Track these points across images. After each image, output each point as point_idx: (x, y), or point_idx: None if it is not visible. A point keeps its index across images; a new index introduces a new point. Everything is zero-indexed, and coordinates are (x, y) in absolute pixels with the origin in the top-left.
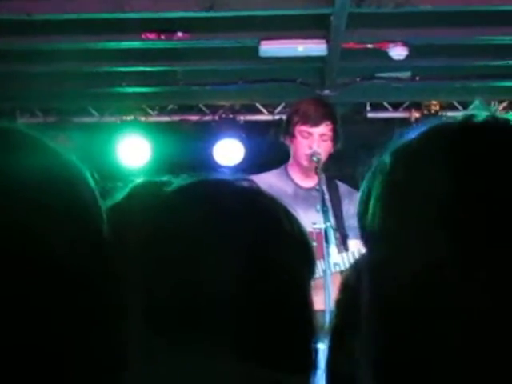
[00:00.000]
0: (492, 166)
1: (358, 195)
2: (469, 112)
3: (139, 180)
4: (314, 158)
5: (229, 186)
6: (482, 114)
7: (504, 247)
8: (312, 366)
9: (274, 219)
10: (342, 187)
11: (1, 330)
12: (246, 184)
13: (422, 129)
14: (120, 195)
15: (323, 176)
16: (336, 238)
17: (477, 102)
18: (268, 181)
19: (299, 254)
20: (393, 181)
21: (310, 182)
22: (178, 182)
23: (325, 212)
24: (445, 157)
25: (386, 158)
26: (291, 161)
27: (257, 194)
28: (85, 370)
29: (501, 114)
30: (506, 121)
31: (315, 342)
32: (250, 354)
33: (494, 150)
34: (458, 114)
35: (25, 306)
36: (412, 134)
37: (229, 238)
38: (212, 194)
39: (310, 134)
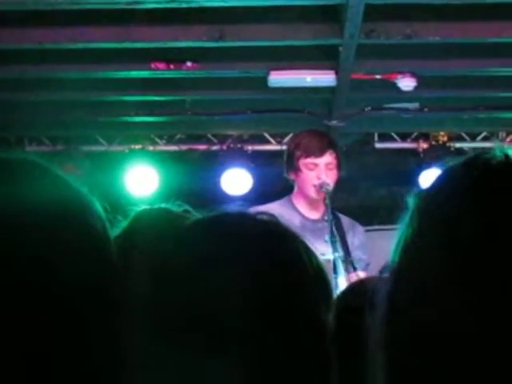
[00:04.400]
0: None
1: (360, 228)
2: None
3: (145, 208)
4: (324, 190)
5: (249, 220)
6: (499, 154)
7: None
8: None
9: (293, 253)
10: (345, 219)
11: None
12: (265, 217)
13: (444, 172)
14: (125, 223)
15: (328, 207)
16: (345, 270)
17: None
18: (275, 211)
19: (317, 287)
20: (423, 227)
21: (316, 214)
22: (197, 215)
23: (333, 242)
24: (467, 200)
25: (423, 197)
26: (296, 193)
27: (276, 227)
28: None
29: None
30: None
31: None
32: None
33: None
34: (466, 145)
35: (33, 334)
36: (444, 175)
37: (248, 271)
38: (231, 227)
39: (316, 165)
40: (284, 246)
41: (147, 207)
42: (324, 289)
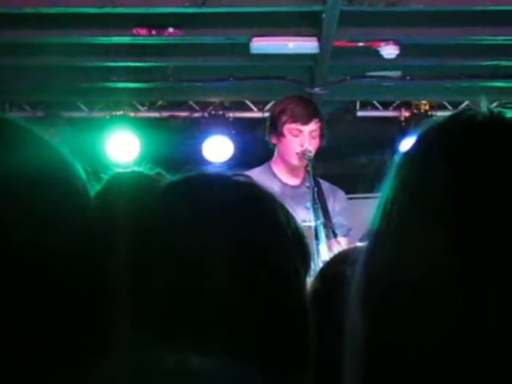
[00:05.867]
0: (495, 167)
1: (341, 193)
2: (470, 110)
3: (118, 171)
4: (306, 157)
5: (225, 180)
6: (483, 112)
7: (502, 253)
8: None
9: (271, 214)
10: (325, 185)
11: None
12: (242, 178)
13: (426, 130)
14: (99, 187)
15: (310, 174)
16: (326, 236)
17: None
18: (254, 177)
19: (296, 250)
20: (401, 184)
21: (295, 180)
22: (171, 177)
23: (315, 209)
24: (448, 159)
25: (397, 162)
26: (276, 159)
27: (253, 188)
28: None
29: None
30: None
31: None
32: (243, 354)
33: (496, 150)
34: (448, 114)
35: (16, 294)
36: (418, 137)
37: (224, 232)
38: (208, 188)
39: (301, 131)
40: (261, 206)
41: (120, 171)
42: (302, 251)
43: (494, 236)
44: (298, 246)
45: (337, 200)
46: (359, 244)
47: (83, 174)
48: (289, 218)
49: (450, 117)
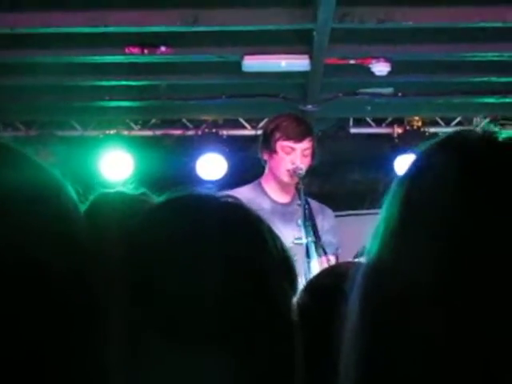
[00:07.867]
0: (494, 186)
1: (329, 212)
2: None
3: (103, 192)
4: (297, 175)
5: (212, 201)
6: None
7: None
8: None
9: (257, 235)
10: (314, 203)
11: None
12: (229, 199)
13: (425, 149)
14: (85, 207)
15: (300, 192)
16: (319, 254)
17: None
18: (245, 196)
19: (282, 270)
20: (401, 203)
21: (285, 198)
22: (155, 197)
23: (306, 226)
24: (446, 178)
25: (397, 181)
26: (266, 176)
27: (240, 210)
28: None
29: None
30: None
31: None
32: (231, 360)
33: (492, 170)
34: (441, 130)
35: (7, 315)
36: (421, 157)
37: (211, 253)
38: (195, 209)
39: (293, 149)
40: (247, 228)
41: (105, 191)
42: (289, 271)
43: (488, 260)
44: (284, 266)
45: (326, 218)
46: (350, 260)
47: (74, 195)
48: (275, 239)
49: (448, 136)
